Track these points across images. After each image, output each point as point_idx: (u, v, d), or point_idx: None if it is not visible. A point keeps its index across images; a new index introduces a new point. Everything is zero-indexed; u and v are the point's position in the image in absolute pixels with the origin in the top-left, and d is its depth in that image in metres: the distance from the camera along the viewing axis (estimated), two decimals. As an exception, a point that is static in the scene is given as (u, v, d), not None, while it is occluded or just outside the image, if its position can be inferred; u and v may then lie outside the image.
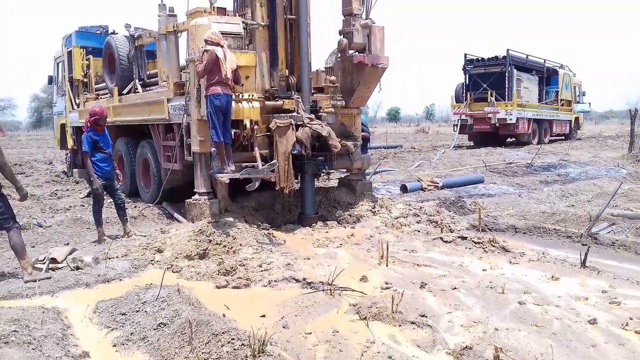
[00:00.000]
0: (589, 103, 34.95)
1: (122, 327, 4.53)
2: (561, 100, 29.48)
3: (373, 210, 8.83)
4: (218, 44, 7.22)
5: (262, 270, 5.98)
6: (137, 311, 4.76)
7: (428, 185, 12.00)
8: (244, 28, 8.02)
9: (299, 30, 8.70)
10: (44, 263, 6.18)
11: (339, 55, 9.24)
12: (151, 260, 6.56)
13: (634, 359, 3.80)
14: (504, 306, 4.83)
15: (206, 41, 7.27)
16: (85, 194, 11.36)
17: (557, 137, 30.22)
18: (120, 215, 7.88)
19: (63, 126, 15.12)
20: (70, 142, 14.59)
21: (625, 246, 6.83)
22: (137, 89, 10.61)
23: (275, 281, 5.66)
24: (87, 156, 7.50)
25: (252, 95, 7.97)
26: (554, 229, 7.71)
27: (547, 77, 28.96)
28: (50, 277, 5.84)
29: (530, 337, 4.15)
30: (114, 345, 4.23)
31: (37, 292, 5.37)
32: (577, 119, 32.02)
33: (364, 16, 9.04)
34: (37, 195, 11.44)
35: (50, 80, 16.28)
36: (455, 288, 5.34)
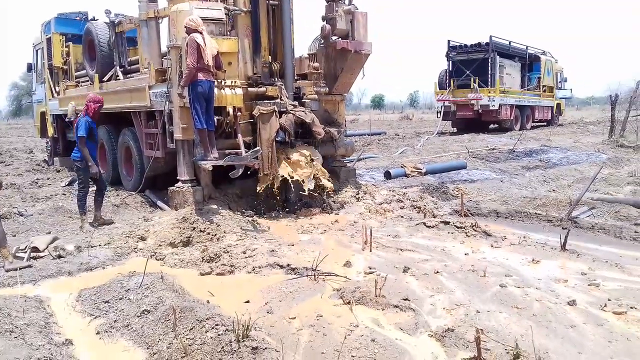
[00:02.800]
0: (571, 89, 35.28)
1: (106, 314, 4.52)
2: (543, 86, 29.68)
3: (357, 196, 8.87)
4: (196, 30, 7.15)
5: (246, 257, 5.98)
6: (121, 299, 4.75)
7: (411, 172, 12.06)
8: (226, 14, 7.95)
9: (282, 16, 8.65)
10: (26, 252, 6.13)
11: (322, 41, 9.22)
12: (134, 248, 6.54)
13: (612, 339, 3.87)
14: (486, 289, 4.90)
15: (185, 28, 7.20)
16: (67, 183, 11.25)
17: (539, 123, 30.47)
18: (98, 202, 7.88)
19: (43, 114, 14.90)
20: (50, 131, 14.39)
21: (604, 229, 6.95)
22: (118, 76, 10.48)
23: (260, 267, 5.67)
24: (84, 141, 7.50)
25: (235, 82, 7.92)
26: (535, 213, 7.81)
27: (530, 64, 29.13)
28: (32, 266, 5.80)
29: (510, 318, 4.22)
30: (98, 333, 4.22)
31: (18, 281, 5.33)
32: (558, 105, 32.30)
33: (347, 2, 9.01)
34: (17, 184, 11.30)
35: (30, 67, 16.02)
36: (437, 272, 5.40)
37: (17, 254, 6.05)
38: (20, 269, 5.64)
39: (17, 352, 3.63)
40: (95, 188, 8.07)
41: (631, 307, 4.38)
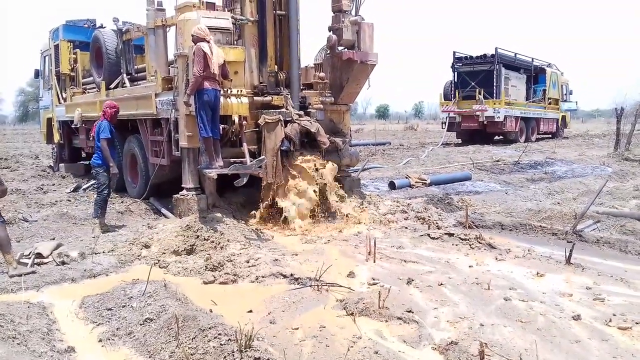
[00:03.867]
0: (576, 102, 35.25)
1: (108, 322, 4.52)
2: (548, 98, 29.70)
3: (361, 206, 8.85)
4: (204, 39, 7.19)
5: (249, 266, 5.98)
6: (124, 306, 4.75)
7: (416, 182, 12.05)
8: (233, 23, 8.01)
9: (289, 26, 8.70)
10: (30, 258, 6.13)
11: (328, 51, 9.25)
12: (138, 256, 6.54)
13: (617, 355, 3.84)
14: (490, 302, 4.87)
15: (192, 36, 7.25)
16: (72, 189, 11.28)
17: (544, 135, 30.45)
18: (103, 209, 7.98)
19: (50, 120, 14.98)
20: (56, 137, 14.45)
21: (609, 243, 6.90)
22: (124, 83, 10.54)
23: (263, 277, 5.65)
24: (108, 142, 7.77)
25: (241, 91, 7.96)
26: (540, 226, 7.77)
27: (535, 76, 29.17)
28: (36, 272, 5.80)
29: (515, 332, 4.19)
30: (100, 341, 4.21)
31: (22, 287, 5.33)
32: (564, 117, 32.27)
33: (353, 12, 9.04)
34: (22, 189, 11.33)
35: (37, 74, 16.12)
36: (441, 284, 5.37)
37: (21, 260, 6.05)
38: (24, 275, 5.64)
39: (19, 358, 3.63)
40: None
41: (636, 323, 4.34)
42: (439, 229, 7.81)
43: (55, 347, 4.00)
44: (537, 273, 5.73)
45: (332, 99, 9.14)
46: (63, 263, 6.17)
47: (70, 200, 10.07)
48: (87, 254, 6.44)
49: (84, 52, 12.72)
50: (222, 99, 7.53)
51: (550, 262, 6.20)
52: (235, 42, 8.09)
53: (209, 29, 7.39)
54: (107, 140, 7.76)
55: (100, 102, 10.80)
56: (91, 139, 8.60)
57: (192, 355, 3.68)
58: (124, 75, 10.61)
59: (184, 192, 8.02)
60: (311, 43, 10.27)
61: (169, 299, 4.69)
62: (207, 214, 7.59)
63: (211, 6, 8.32)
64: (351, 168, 10.34)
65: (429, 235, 7.47)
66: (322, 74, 9.13)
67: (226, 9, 8.45)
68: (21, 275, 5.60)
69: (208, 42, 7.21)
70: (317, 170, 8.13)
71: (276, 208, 8.04)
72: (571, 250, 6.09)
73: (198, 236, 6.84)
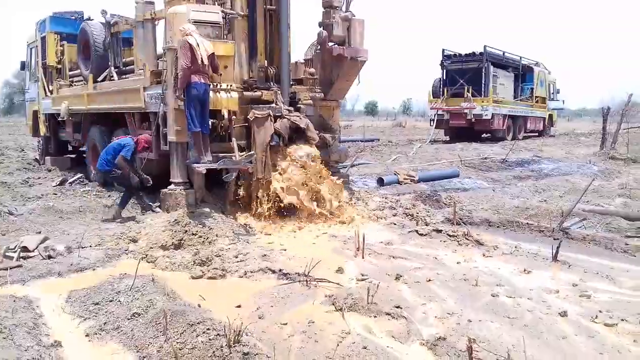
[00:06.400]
0: (563, 100, 35.59)
1: (95, 316, 4.47)
2: (536, 97, 29.92)
3: (350, 202, 8.86)
4: (186, 35, 7.16)
5: (238, 261, 5.96)
6: (111, 301, 4.71)
7: (404, 179, 12.08)
8: (222, 17, 7.95)
9: (279, 21, 8.66)
10: (15, 251, 6.06)
11: (319, 47, 9.24)
12: (125, 250, 6.49)
13: (603, 351, 3.89)
14: (477, 298, 4.90)
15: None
16: (58, 182, 11.16)
17: (531, 134, 30.68)
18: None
19: (35, 113, 14.77)
20: (42, 130, 14.28)
21: (595, 241, 6.97)
22: (112, 76, 10.44)
23: (251, 272, 5.64)
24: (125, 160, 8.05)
25: (231, 86, 7.91)
26: (527, 223, 7.84)
27: (523, 74, 29.38)
28: (22, 266, 5.74)
29: (502, 328, 4.23)
30: (87, 335, 4.17)
31: (7, 280, 5.28)
32: (550, 116, 32.55)
33: (344, 9, 9.04)
34: (8, 182, 11.18)
35: (23, 66, 15.91)
36: (429, 280, 5.40)
37: (6, 254, 5.99)
38: (9, 268, 5.57)
39: (5, 353, 3.59)
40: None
41: (622, 320, 4.39)
42: (427, 225, 7.85)
43: (42, 342, 3.95)
44: (524, 270, 5.78)
45: (322, 94, 9.13)
46: (49, 257, 6.11)
47: (56, 194, 9.95)
48: (73, 248, 6.38)
49: (72, 44, 12.56)
50: (211, 93, 7.48)
51: (537, 259, 6.25)
52: (225, 37, 8.03)
53: (198, 22, 7.34)
54: (123, 159, 7.93)
55: (87, 95, 10.72)
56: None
57: (180, 350, 3.67)
58: (112, 68, 10.50)
59: (172, 186, 7.97)
60: (301, 39, 10.25)
61: (157, 294, 4.67)
62: (196, 209, 7.56)
63: (201, -1, 8.26)
64: (340, 164, 10.35)
65: (417, 231, 7.50)
66: (312, 70, 9.12)
67: (216, 3, 8.38)
68: (7, 269, 5.53)
69: (189, 34, 7.16)
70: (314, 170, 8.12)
71: (266, 202, 8.00)
72: (558, 248, 6.15)
73: (186, 231, 6.80)
